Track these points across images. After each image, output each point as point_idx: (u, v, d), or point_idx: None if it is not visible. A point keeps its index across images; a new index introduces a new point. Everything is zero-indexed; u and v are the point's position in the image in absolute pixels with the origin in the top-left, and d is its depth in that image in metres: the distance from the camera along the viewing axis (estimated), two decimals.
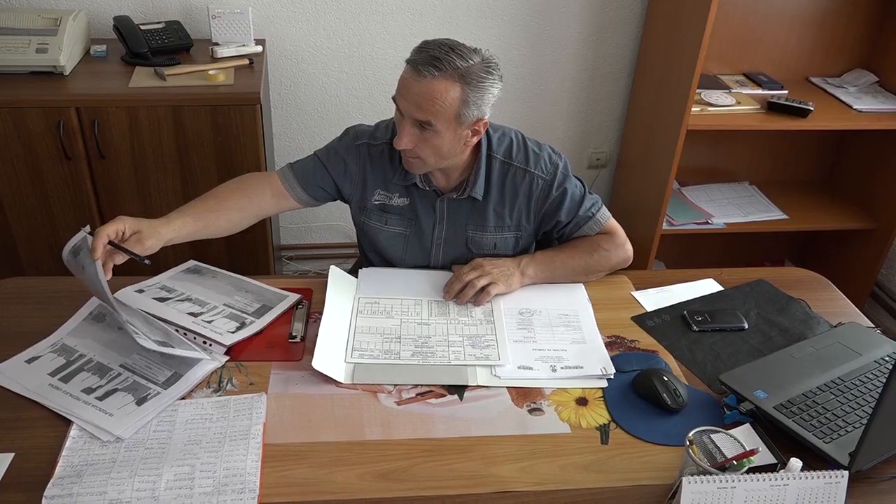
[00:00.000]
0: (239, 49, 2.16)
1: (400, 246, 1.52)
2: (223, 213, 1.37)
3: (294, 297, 1.41)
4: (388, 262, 1.55)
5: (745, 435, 1.09)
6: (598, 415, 1.19)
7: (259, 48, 2.20)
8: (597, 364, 1.29)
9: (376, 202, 1.50)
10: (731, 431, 1.04)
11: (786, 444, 1.11)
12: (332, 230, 2.80)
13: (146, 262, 1.19)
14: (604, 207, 1.53)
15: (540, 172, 1.45)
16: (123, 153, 1.97)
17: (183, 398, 1.16)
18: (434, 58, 1.24)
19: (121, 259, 1.18)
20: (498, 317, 1.40)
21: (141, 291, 1.38)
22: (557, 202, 1.48)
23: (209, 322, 1.30)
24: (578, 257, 1.50)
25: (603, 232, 1.53)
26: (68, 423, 1.09)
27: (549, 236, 1.58)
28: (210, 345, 1.25)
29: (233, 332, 1.28)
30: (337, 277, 1.45)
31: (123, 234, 1.20)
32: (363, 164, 1.48)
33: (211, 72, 2.03)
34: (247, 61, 2.13)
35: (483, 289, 1.42)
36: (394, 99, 1.32)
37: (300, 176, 1.47)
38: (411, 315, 1.39)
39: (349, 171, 1.47)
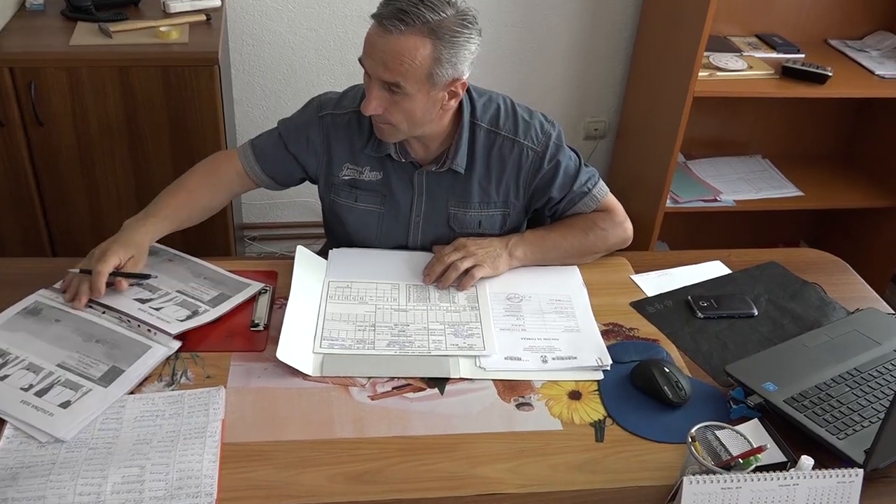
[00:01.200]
0: (194, 3, 2.14)
1: (373, 225, 1.52)
2: (196, 208, 1.44)
3: (256, 285, 1.41)
4: (360, 245, 1.55)
5: (753, 431, 1.11)
6: (593, 410, 1.20)
7: (217, 2, 2.18)
8: (592, 354, 1.30)
9: (345, 178, 1.49)
10: (737, 427, 1.05)
11: (797, 440, 1.12)
12: (300, 207, 2.79)
13: (154, 276, 1.33)
14: (601, 182, 1.54)
15: (530, 143, 1.45)
16: (64, 119, 1.95)
17: (132, 393, 1.16)
18: (401, 10, 1.23)
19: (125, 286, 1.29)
20: (483, 303, 1.41)
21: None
22: (550, 176, 1.48)
23: (157, 309, 1.30)
24: (572, 237, 1.51)
25: (600, 209, 1.54)
26: (1, 422, 1.09)
27: (540, 214, 1.59)
28: (155, 334, 1.25)
29: (182, 321, 1.28)
30: (304, 259, 1.44)
31: (120, 265, 1.28)
32: (327, 137, 1.47)
33: (163, 28, 2.01)
34: (203, 17, 2.12)
35: (467, 271, 1.43)
36: (360, 60, 1.31)
37: (260, 155, 1.48)
38: (387, 301, 1.39)
39: (312, 147, 1.47)
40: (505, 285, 1.45)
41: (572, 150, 1.53)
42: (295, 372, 1.22)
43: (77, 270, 1.29)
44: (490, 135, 1.46)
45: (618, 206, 1.55)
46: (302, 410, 1.16)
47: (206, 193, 1.46)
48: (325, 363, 1.25)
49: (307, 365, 1.23)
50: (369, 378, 1.23)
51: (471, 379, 1.24)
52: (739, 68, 2.40)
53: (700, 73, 2.30)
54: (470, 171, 1.47)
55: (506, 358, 1.29)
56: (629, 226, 1.55)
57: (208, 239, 2.20)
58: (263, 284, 1.42)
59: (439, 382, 1.23)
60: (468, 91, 1.44)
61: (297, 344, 1.26)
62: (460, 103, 1.41)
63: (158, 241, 1.41)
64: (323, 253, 1.52)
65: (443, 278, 1.42)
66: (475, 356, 1.28)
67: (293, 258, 1.43)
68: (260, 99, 2.55)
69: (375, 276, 1.45)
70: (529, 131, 1.46)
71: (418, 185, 1.48)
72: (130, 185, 2.10)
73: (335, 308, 1.36)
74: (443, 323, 1.35)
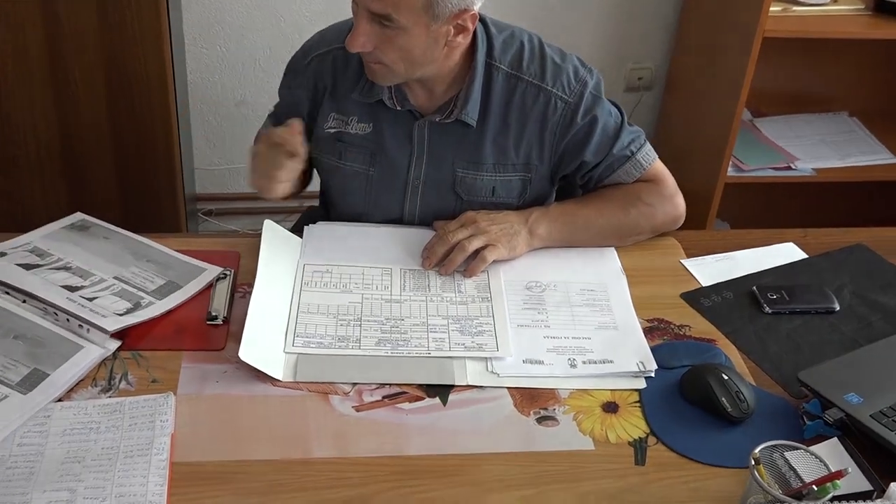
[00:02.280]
0: None
1: (360, 190, 1.53)
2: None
3: (213, 270, 1.42)
4: (347, 216, 1.55)
5: (831, 452, 1.11)
6: (633, 425, 1.21)
7: None
8: (632, 357, 1.30)
9: (330, 130, 1.50)
10: (811, 448, 1.05)
11: (885, 464, 1.12)
12: None
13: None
14: (647, 145, 1.55)
15: (561, 92, 1.46)
16: None
17: (59, 400, 1.16)
18: None
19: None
20: (497, 292, 1.41)
21: (2, 255, 1.38)
22: (583, 135, 1.49)
23: (90, 300, 1.31)
24: (609, 213, 1.52)
25: (645, 179, 1.54)
26: None
27: (570, 182, 1.60)
28: (88, 330, 1.26)
29: (121, 315, 1.29)
30: (273, 236, 1.45)
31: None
32: (314, 83, 1.49)
33: None
34: None
35: (477, 253, 1.43)
36: None
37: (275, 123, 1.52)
38: (376, 289, 1.40)
39: (313, 99, 1.50)
40: (524, 271, 1.45)
41: (613, 103, 1.53)
42: (262, 376, 1.22)
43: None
44: (510, 79, 1.46)
45: (667, 177, 1.56)
46: (270, 423, 1.16)
47: None
48: (298, 365, 1.25)
49: (277, 367, 1.23)
50: (354, 384, 1.23)
51: (480, 387, 1.24)
52: (822, 2, 2.39)
53: (772, 8, 2.29)
54: (483, 124, 1.47)
55: (524, 361, 1.29)
56: (681, 201, 1.56)
57: (152, 212, 2.22)
58: (222, 269, 1.42)
59: (441, 391, 1.23)
60: (485, 25, 1.44)
61: (264, 342, 1.26)
62: (474, 39, 1.41)
63: (88, 214, 1.42)
64: (298, 230, 1.53)
65: (446, 261, 1.43)
66: (486, 358, 1.29)
67: (259, 236, 1.43)
68: (218, 37, 2.55)
69: (362, 257, 1.45)
70: (560, 77, 1.46)
71: (418, 139, 1.48)
72: (55, 141, 2.11)
73: (312, 298, 1.36)
74: (446, 317, 1.35)
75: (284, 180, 1.38)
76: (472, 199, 1.51)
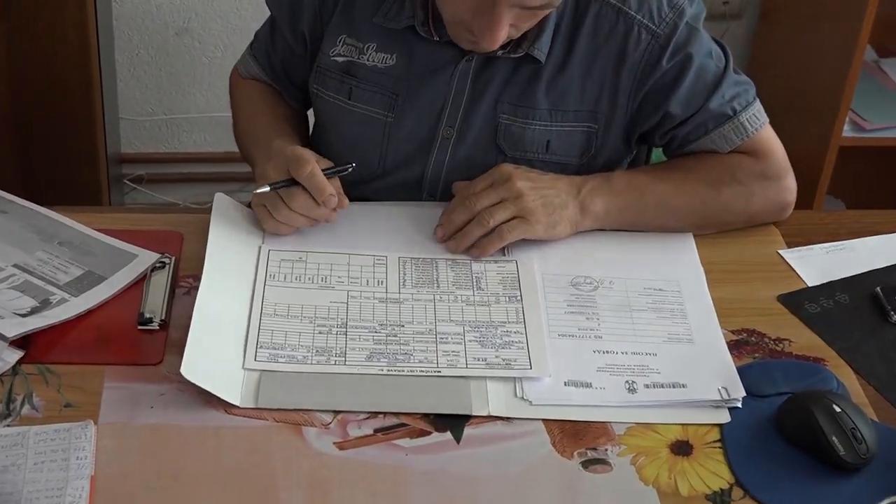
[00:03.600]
0: None
1: (373, 142, 1.55)
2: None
3: (148, 256, 1.41)
4: (347, 178, 1.52)
5: None
6: (712, 473, 1.20)
7: None
8: (712, 381, 1.30)
9: (338, 58, 1.52)
10: None
11: None
12: (219, 126, 2.79)
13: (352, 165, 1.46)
14: (757, 104, 1.55)
15: (648, 19, 1.47)
16: None
17: None
18: None
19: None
20: (530, 289, 1.41)
21: None
22: (672, 78, 1.49)
23: None
24: (692, 191, 1.53)
25: (746, 151, 1.55)
26: None
27: (647, 141, 1.61)
28: None
29: (23, 316, 1.28)
30: (227, 214, 1.46)
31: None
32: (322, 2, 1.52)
33: None
34: None
35: (509, 222, 1.43)
36: None
37: (263, 59, 1.66)
38: (367, 284, 1.40)
39: (319, 10, 1.52)
40: (569, 261, 1.46)
41: (716, 42, 1.54)
42: (213, 400, 1.21)
43: (266, 189, 1.39)
44: (583, 0, 1.46)
45: (777, 149, 1.56)
46: (223, 465, 1.15)
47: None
48: (262, 386, 1.24)
49: (232, 389, 1.23)
50: (336, 413, 1.23)
51: (507, 418, 1.24)
52: None
53: None
54: (546, 60, 1.47)
55: (567, 384, 1.29)
56: (792, 184, 1.57)
57: (64, 178, 2.23)
58: (160, 255, 1.42)
59: (454, 423, 1.23)
60: None
61: (215, 354, 1.26)
62: None
63: None
64: None
65: (459, 234, 1.43)
66: (515, 379, 1.28)
67: (208, 211, 1.44)
68: None
69: (348, 241, 1.45)
70: (647, 1, 1.46)
71: (460, 78, 1.49)
72: None
73: (280, 295, 1.36)
74: (461, 323, 1.35)
75: (296, 222, 1.45)
76: (520, 156, 1.52)
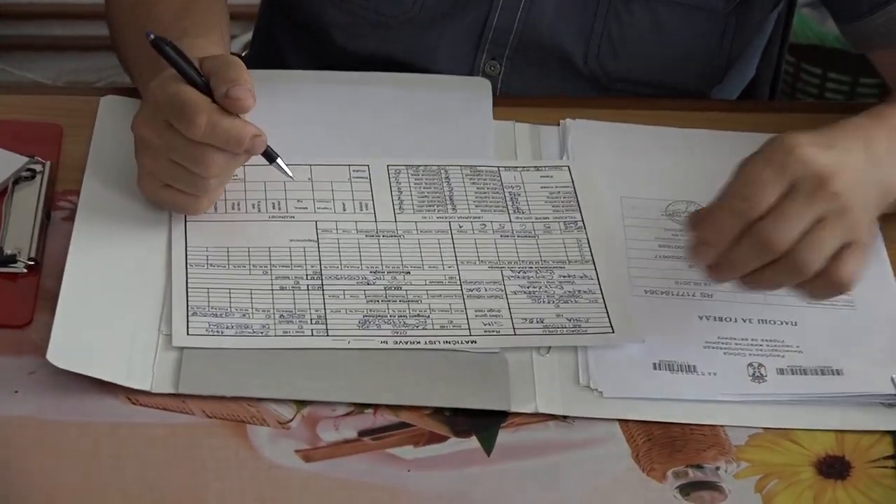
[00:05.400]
0: None
1: None
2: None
3: (11, 160, 1.25)
4: (357, 62, 1.37)
5: None
6: (879, 498, 1.02)
7: None
8: (883, 366, 1.11)
9: None
10: None
11: None
12: None
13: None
14: None
15: None
16: None
17: None
18: None
19: None
20: (595, 209, 1.20)
21: None
22: None
23: None
24: None
25: None
26: None
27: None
28: None
29: None
30: (122, 122, 1.25)
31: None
32: None
33: None
34: None
35: (840, 255, 1.09)
36: None
37: None
38: (343, 208, 1.20)
39: None
40: (658, 177, 1.25)
41: None
42: (108, 383, 0.99)
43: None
44: None
45: None
46: (123, 479, 0.98)
47: None
48: (185, 363, 1.03)
49: (138, 366, 1.02)
50: (301, 405, 1.02)
51: (564, 417, 1.03)
52: None
53: None
54: None
55: (657, 366, 1.08)
56: None
57: None
58: (27, 158, 1.25)
59: (482, 424, 1.03)
60: None
61: (113, 318, 1.06)
62: None
63: None
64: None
65: (760, 276, 1.08)
66: (577, 357, 1.06)
67: (97, 95, 1.30)
68: None
69: (309, 142, 1.26)
70: None
71: None
72: None
73: (210, 235, 1.16)
74: (496, 264, 1.13)
75: (221, 184, 1.19)
76: (624, 37, 1.34)
